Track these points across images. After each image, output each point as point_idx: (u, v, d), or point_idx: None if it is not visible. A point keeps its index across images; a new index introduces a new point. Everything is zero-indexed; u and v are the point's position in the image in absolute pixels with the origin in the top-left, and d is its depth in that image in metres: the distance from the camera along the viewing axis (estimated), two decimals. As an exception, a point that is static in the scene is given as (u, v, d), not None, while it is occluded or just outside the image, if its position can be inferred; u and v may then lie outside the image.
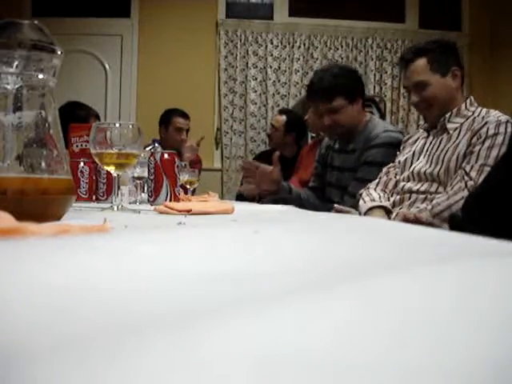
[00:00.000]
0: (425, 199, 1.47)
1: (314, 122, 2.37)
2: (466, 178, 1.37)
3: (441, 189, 1.45)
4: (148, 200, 1.19)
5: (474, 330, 0.14)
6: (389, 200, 1.61)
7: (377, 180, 1.70)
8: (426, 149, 1.56)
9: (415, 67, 1.53)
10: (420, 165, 1.53)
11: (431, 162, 1.50)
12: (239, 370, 0.11)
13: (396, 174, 1.66)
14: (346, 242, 0.36)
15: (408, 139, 1.71)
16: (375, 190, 1.66)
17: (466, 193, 1.33)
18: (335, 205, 1.69)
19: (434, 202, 1.39)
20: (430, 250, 0.33)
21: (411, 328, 0.14)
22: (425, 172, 1.50)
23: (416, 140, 1.65)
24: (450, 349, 0.13)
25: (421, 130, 1.67)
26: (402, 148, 1.70)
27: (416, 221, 1.30)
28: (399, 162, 1.66)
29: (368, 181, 1.73)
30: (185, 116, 2.99)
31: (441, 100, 1.52)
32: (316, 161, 2.16)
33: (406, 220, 1.32)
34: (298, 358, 0.12)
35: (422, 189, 1.50)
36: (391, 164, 1.71)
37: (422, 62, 1.52)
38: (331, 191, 2.00)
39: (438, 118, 1.54)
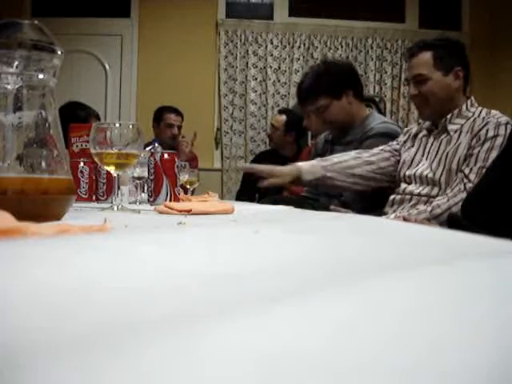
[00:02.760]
0: (426, 202, 1.47)
1: (311, 127, 2.37)
2: (465, 180, 1.37)
3: (442, 193, 1.45)
4: (148, 200, 1.19)
5: (473, 330, 0.14)
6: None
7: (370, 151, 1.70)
8: (427, 151, 1.55)
9: (419, 60, 1.52)
10: (422, 168, 1.53)
11: (432, 166, 1.49)
12: (239, 370, 0.11)
13: (390, 157, 1.66)
14: (346, 242, 0.36)
15: (408, 131, 1.70)
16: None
17: (464, 195, 1.32)
18: (331, 206, 1.68)
19: (434, 203, 1.39)
20: (430, 250, 0.33)
21: (411, 328, 0.14)
22: (427, 176, 1.50)
23: (416, 135, 1.64)
24: (450, 349, 0.13)
25: (422, 127, 1.66)
26: (403, 140, 1.68)
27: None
28: (398, 159, 1.65)
29: None
30: (176, 112, 3.00)
31: (438, 98, 1.51)
32: (314, 156, 2.14)
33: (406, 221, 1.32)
34: (298, 358, 0.12)
35: (424, 192, 1.49)
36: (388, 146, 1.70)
37: (426, 57, 1.51)
38: None
39: (433, 116, 1.53)
